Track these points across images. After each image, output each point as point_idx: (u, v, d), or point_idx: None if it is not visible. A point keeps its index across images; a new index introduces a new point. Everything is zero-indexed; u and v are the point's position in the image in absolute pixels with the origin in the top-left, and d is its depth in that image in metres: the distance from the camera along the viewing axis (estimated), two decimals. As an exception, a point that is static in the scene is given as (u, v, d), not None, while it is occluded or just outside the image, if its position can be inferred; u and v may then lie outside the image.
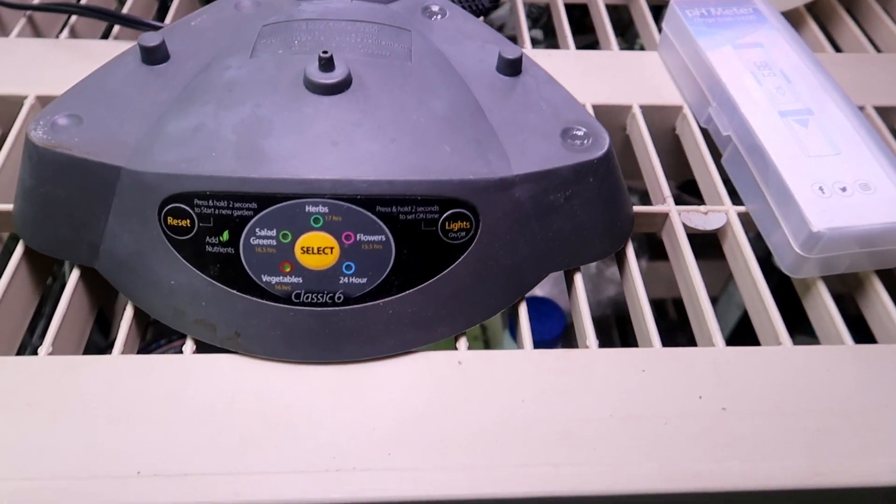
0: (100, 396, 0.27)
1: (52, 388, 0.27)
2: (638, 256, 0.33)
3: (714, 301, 0.35)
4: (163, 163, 0.28)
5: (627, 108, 0.42)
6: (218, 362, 0.29)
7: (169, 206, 0.28)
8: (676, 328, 0.78)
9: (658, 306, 0.78)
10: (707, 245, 0.39)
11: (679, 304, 0.72)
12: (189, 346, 0.29)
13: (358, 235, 0.28)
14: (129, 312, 0.30)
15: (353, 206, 0.28)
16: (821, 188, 0.33)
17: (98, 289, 0.33)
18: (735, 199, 0.37)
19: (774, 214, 0.34)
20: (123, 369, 0.28)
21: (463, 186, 0.28)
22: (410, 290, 0.29)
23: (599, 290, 0.86)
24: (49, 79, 0.40)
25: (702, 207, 0.37)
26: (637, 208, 0.36)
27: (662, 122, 0.43)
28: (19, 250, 0.32)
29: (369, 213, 0.28)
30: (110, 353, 0.29)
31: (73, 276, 0.31)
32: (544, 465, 0.26)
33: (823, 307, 0.33)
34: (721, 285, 0.74)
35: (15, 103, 0.39)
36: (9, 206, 0.33)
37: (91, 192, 0.29)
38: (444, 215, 0.28)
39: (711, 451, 0.27)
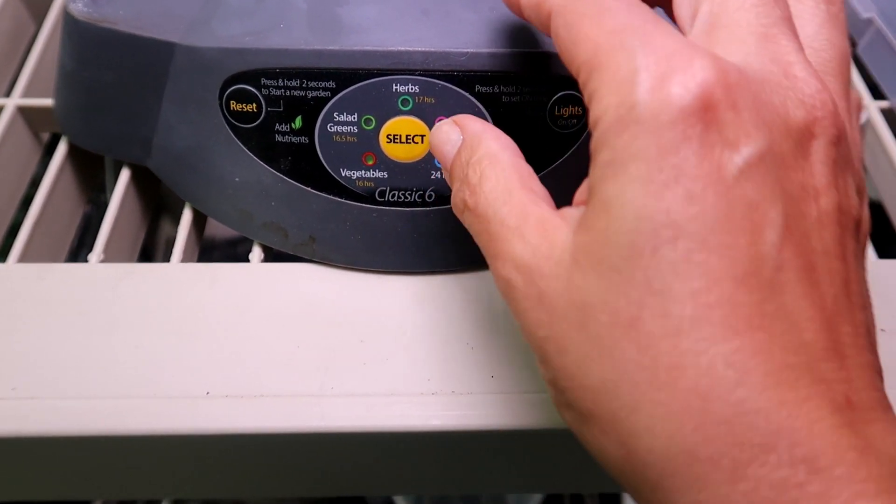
0: (160, 308, 0.24)
1: (108, 298, 0.24)
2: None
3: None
4: (223, 36, 0.24)
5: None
6: (290, 272, 0.25)
7: (232, 88, 0.24)
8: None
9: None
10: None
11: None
12: (257, 253, 0.26)
13: (454, 121, 0.23)
14: (187, 216, 0.27)
15: (450, 85, 0.23)
16: None
17: (152, 192, 0.30)
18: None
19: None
20: (184, 278, 0.25)
21: (577, 63, 0.24)
22: (513, 188, 0.24)
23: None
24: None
25: (837, 102, 0.31)
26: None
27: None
28: (62, 148, 0.28)
29: (468, 94, 0.23)
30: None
31: (124, 177, 0.28)
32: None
33: None
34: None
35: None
36: (49, 102, 0.29)
37: (141, 74, 0.25)
38: (554, 98, 0.24)
39: (874, 377, 0.23)
